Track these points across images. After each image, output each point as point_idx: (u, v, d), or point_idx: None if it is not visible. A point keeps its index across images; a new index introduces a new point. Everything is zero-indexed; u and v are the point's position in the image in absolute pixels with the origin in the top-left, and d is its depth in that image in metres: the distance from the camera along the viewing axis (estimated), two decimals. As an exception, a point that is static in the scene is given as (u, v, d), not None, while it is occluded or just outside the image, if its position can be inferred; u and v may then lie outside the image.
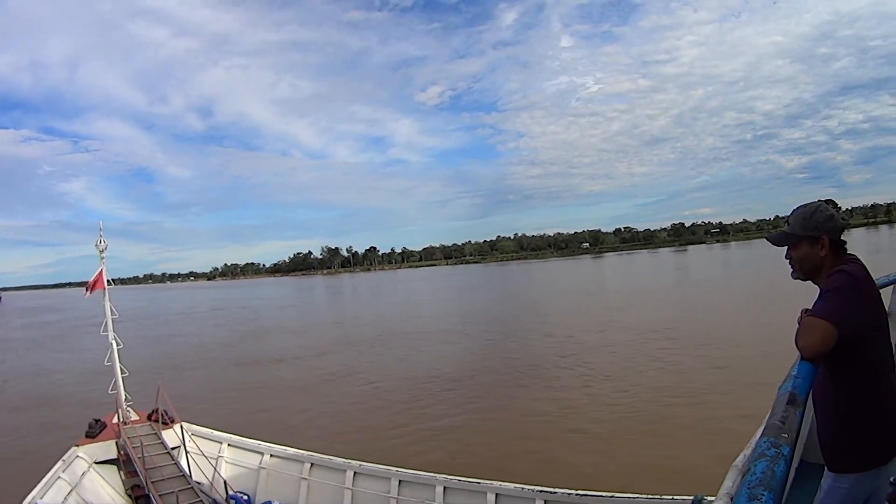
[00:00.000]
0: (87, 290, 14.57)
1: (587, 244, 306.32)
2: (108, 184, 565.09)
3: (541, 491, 9.33)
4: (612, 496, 8.72)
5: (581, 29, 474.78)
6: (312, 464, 12.62)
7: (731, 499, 2.00)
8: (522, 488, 9.55)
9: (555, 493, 9.22)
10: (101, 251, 14.49)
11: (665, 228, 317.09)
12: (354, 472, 11.85)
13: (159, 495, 10.95)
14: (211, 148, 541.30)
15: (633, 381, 23.30)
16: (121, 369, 14.64)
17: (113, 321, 14.79)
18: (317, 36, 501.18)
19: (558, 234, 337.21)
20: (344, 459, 12.26)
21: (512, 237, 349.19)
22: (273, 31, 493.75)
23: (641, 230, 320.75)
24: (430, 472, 11.07)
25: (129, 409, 14.57)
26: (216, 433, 14.35)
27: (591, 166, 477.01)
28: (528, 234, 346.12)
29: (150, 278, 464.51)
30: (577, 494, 9.00)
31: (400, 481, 11.18)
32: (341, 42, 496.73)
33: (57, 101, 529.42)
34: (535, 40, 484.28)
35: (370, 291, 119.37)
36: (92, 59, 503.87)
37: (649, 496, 8.49)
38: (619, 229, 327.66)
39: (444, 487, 10.45)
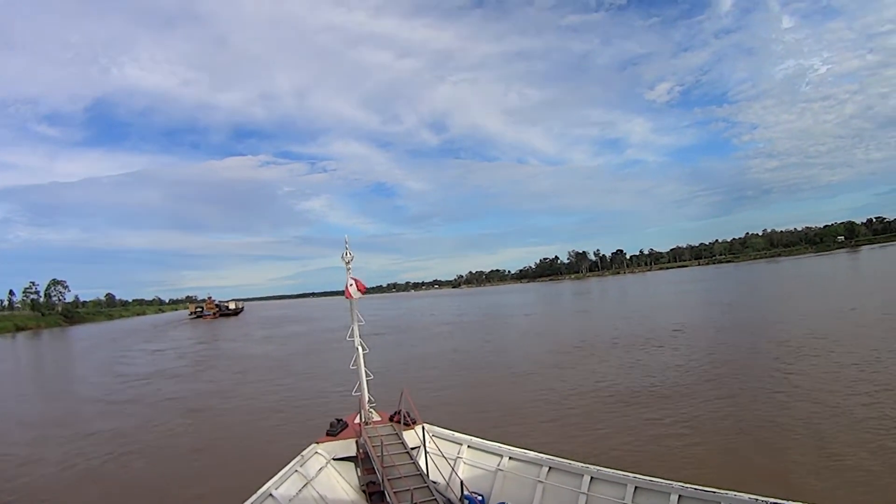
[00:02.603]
0: (350, 295, 16.34)
1: (841, 238, 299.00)
2: (348, 200, 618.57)
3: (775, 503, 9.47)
4: None
5: (800, 7, 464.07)
6: (550, 467, 13.28)
7: None
8: (756, 500, 9.70)
9: None
10: (347, 263, 16.28)
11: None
12: (591, 477, 12.34)
13: (394, 492, 12.07)
14: (447, 161, 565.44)
15: None
16: (365, 373, 16.48)
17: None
18: (538, 44, 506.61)
19: (807, 228, 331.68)
20: (582, 464, 12.79)
21: (760, 234, 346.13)
22: (494, 44, 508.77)
23: (892, 220, 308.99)
24: (666, 479, 11.29)
25: (371, 410, 16.27)
26: (457, 435, 15.53)
27: (829, 155, 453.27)
28: (777, 230, 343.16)
29: (393, 287, 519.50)
30: None
31: (636, 488, 11.55)
32: (563, 47, 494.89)
33: (290, 128, 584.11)
34: (755, 24, 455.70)
35: (641, 297, 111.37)
36: (320, 87, 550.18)
37: None
38: (871, 220, 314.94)
39: (679, 496, 10.84)
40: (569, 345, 47.62)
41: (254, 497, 12.24)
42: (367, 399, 16.29)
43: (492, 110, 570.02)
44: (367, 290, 17.42)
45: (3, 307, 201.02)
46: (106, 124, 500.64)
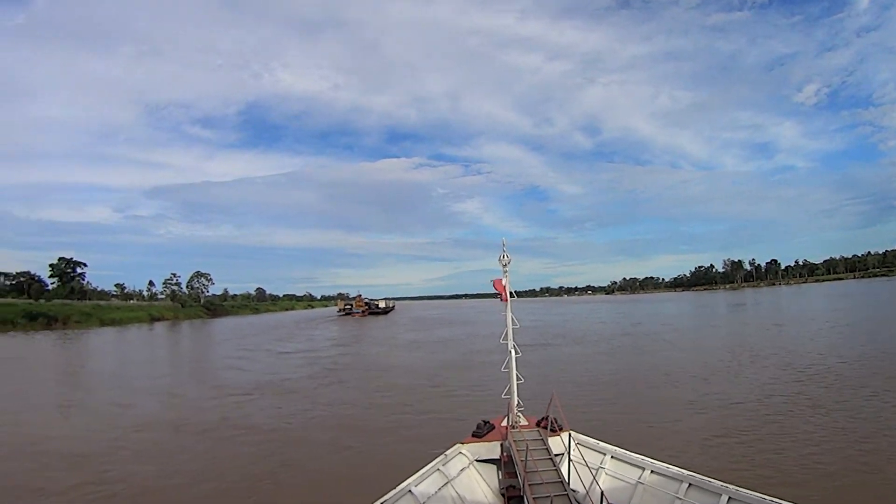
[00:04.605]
0: (505, 298, 17.51)
1: None
2: (502, 203, 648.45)
3: None
4: None
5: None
6: (690, 484, 13.37)
7: None
8: None
9: None
10: (505, 265, 17.34)
11: None
12: (729, 497, 12.34)
13: (533, 498, 12.51)
14: (600, 164, 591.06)
15: None
16: (516, 376, 17.20)
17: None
18: (685, 44, 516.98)
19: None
20: (721, 483, 12.78)
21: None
22: (643, 45, 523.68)
23: None
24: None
25: (519, 414, 16.89)
26: (602, 444, 15.90)
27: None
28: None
29: (546, 291, 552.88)
30: None
31: None
32: (710, 47, 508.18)
33: (444, 130, 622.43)
34: (895, 21, 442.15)
35: (828, 310, 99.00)
36: (472, 90, 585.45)
37: None
38: None
39: None
40: (809, 370, 38.22)
41: (393, 492, 12.69)
42: (516, 402, 16.82)
43: (642, 113, 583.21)
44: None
45: (144, 297, 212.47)
46: (259, 127, 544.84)
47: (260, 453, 24.69)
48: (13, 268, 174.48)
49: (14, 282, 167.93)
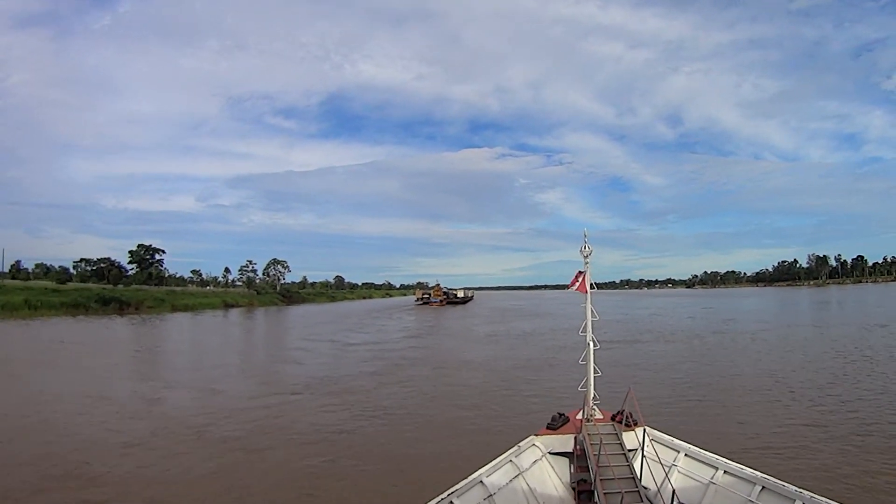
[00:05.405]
0: (585, 290, 17.23)
1: None
2: (583, 193, 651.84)
3: None
4: None
5: None
6: (763, 487, 13.15)
7: None
8: None
9: None
10: (586, 257, 17.21)
11: None
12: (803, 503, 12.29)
13: (604, 493, 12.66)
14: (683, 155, 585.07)
15: None
16: (594, 370, 16.99)
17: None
18: (769, 30, 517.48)
19: None
20: (796, 489, 12.51)
21: None
22: (726, 32, 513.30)
23: None
24: None
25: (594, 407, 16.77)
26: (676, 441, 15.73)
27: None
28: None
29: (626, 284, 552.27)
30: None
31: None
32: (795, 33, 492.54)
33: (526, 120, 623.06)
34: None
35: None
36: (554, 80, 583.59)
37: None
38: None
39: None
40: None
41: (464, 482, 13.12)
42: (592, 395, 16.74)
43: (726, 102, 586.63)
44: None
45: (220, 284, 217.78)
46: (341, 117, 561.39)
47: (274, 475, 20.60)
48: (100, 254, 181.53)
49: (95, 268, 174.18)
